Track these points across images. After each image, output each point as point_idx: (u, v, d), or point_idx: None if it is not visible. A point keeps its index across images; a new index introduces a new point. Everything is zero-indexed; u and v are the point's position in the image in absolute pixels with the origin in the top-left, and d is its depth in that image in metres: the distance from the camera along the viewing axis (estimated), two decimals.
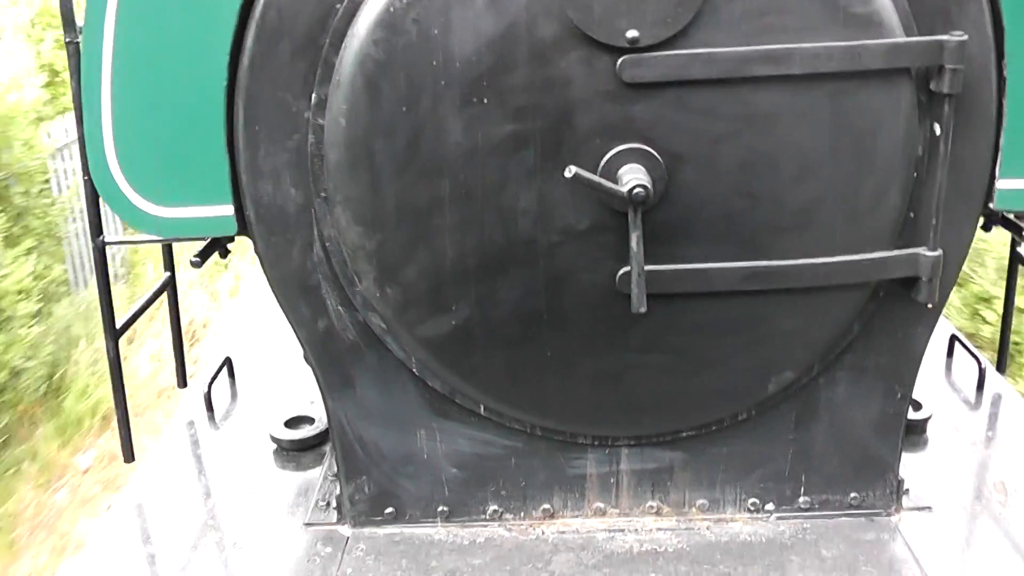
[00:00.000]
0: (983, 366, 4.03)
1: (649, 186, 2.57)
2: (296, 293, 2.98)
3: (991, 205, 2.90)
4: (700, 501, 3.22)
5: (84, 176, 2.98)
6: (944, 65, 2.63)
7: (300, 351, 4.04)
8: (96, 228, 3.13)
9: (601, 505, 3.24)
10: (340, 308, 2.99)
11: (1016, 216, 3.29)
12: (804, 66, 2.59)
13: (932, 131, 2.75)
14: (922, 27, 2.70)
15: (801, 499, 3.22)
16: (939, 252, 2.82)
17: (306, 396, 3.93)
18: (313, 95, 2.74)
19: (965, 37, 2.61)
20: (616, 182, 2.62)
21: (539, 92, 2.61)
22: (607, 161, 2.65)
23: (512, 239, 2.74)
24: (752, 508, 3.22)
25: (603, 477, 3.21)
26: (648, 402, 3.02)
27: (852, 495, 3.22)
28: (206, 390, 3.98)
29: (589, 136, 2.65)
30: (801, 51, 2.58)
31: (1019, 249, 3.83)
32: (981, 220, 3.05)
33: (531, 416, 3.10)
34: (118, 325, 3.22)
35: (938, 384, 4.09)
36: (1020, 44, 2.75)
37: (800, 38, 2.59)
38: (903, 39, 2.64)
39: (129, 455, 3.35)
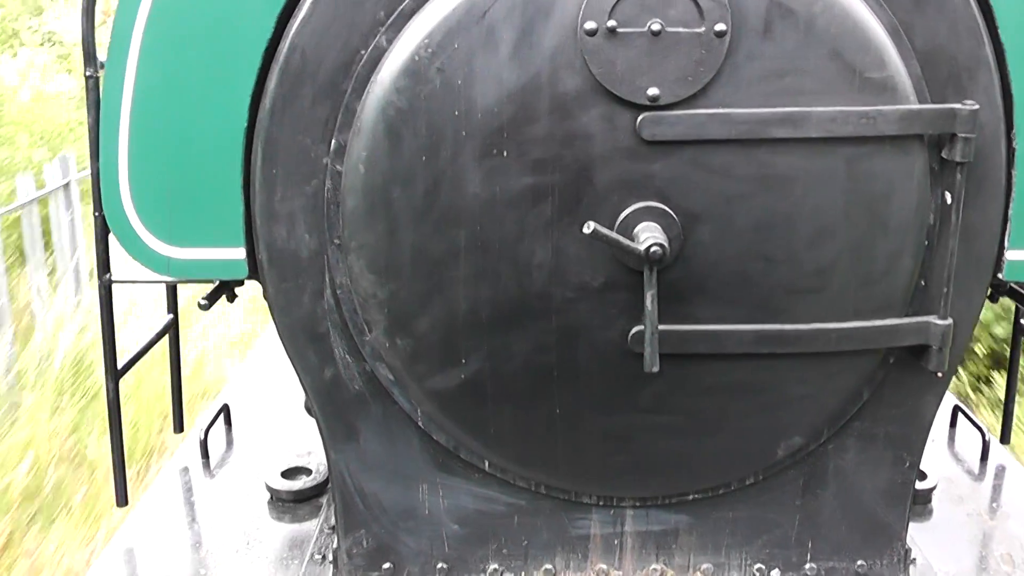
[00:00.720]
0: (987, 438, 4.02)
1: (665, 245, 2.57)
2: (304, 340, 2.95)
3: (1000, 275, 2.92)
4: (705, 565, 3.17)
5: (95, 212, 2.96)
6: (956, 133, 2.67)
7: (297, 401, 4.02)
8: (104, 266, 3.10)
9: (604, 567, 3.18)
10: (348, 357, 2.96)
11: (1022, 287, 3.31)
12: (820, 129, 2.62)
13: (943, 199, 2.78)
14: (934, 95, 2.74)
15: (807, 566, 3.17)
16: (949, 321, 2.82)
17: (304, 446, 3.88)
18: (333, 140, 2.75)
19: (977, 106, 2.65)
20: (632, 239, 2.61)
21: (559, 146, 2.62)
22: (624, 218, 2.65)
23: (526, 293, 2.73)
24: (758, 574, 3.16)
25: (607, 538, 3.15)
26: (656, 463, 2.98)
27: (859, 563, 3.17)
28: (202, 437, 3.92)
29: (607, 192, 2.65)
30: (818, 114, 2.61)
31: (1023, 320, 3.85)
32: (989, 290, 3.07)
33: (537, 473, 3.06)
34: (119, 365, 3.18)
35: (942, 455, 4.07)
36: None
37: (817, 101, 2.62)
38: (916, 106, 2.68)
39: (122, 499, 3.28)
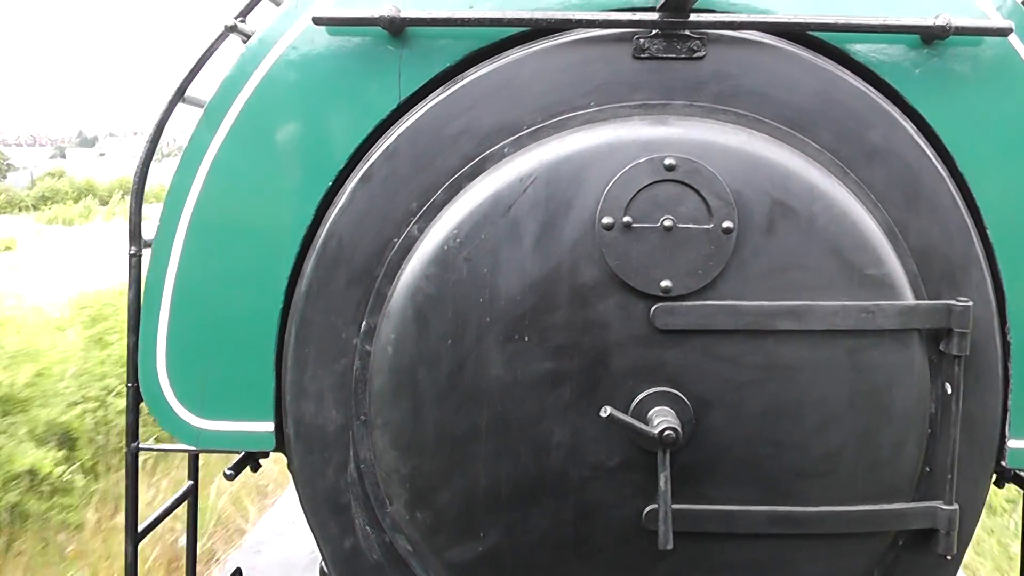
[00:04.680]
0: None
1: (679, 429, 2.68)
2: (326, 511, 3.02)
3: (1003, 463, 3.01)
4: None
5: (128, 383, 3.10)
6: (952, 328, 2.82)
7: (308, 565, 4.04)
8: (133, 434, 3.20)
9: None
10: (368, 528, 3.02)
11: None
12: (823, 322, 2.77)
13: (943, 389, 2.90)
14: (930, 290, 2.91)
15: None
16: (956, 506, 2.89)
17: None
18: (364, 322, 2.91)
19: (970, 303, 2.82)
20: (646, 423, 2.73)
21: (577, 333, 2.77)
22: (638, 402, 2.77)
23: (544, 471, 2.82)
24: None
25: None
26: None
27: None
28: None
29: (622, 377, 2.78)
30: (820, 308, 2.77)
31: None
32: (994, 475, 3.14)
33: None
34: (140, 528, 3.24)
35: None
36: (1022, 310, 2.97)
37: (819, 295, 2.78)
38: (913, 302, 2.84)
39: None
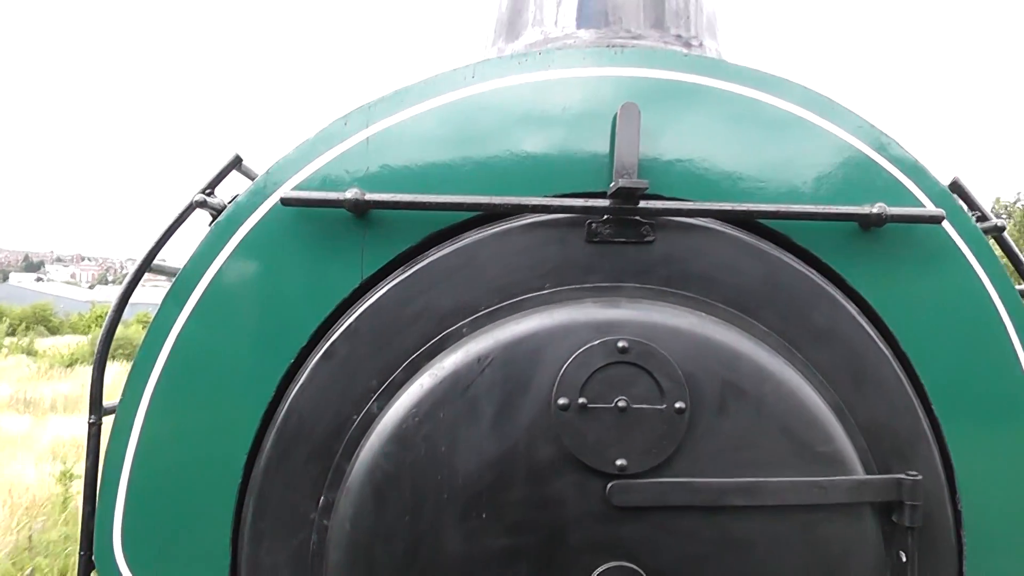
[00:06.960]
0: None
1: None
2: None
3: None
4: None
5: (81, 552, 3.07)
6: (904, 501, 2.89)
7: None
8: None
9: None
10: None
11: None
12: (776, 498, 2.83)
13: (898, 559, 2.94)
14: (879, 465, 2.99)
15: None
16: None
17: None
18: (322, 498, 2.93)
19: (920, 477, 2.89)
20: None
21: (534, 510, 2.80)
22: None
23: None
24: None
25: None
26: None
27: None
28: None
29: (579, 553, 2.80)
30: (773, 484, 2.83)
31: None
32: None
33: None
34: None
35: None
36: (970, 481, 3.05)
37: (772, 472, 2.85)
38: (863, 476, 2.91)
39: None
